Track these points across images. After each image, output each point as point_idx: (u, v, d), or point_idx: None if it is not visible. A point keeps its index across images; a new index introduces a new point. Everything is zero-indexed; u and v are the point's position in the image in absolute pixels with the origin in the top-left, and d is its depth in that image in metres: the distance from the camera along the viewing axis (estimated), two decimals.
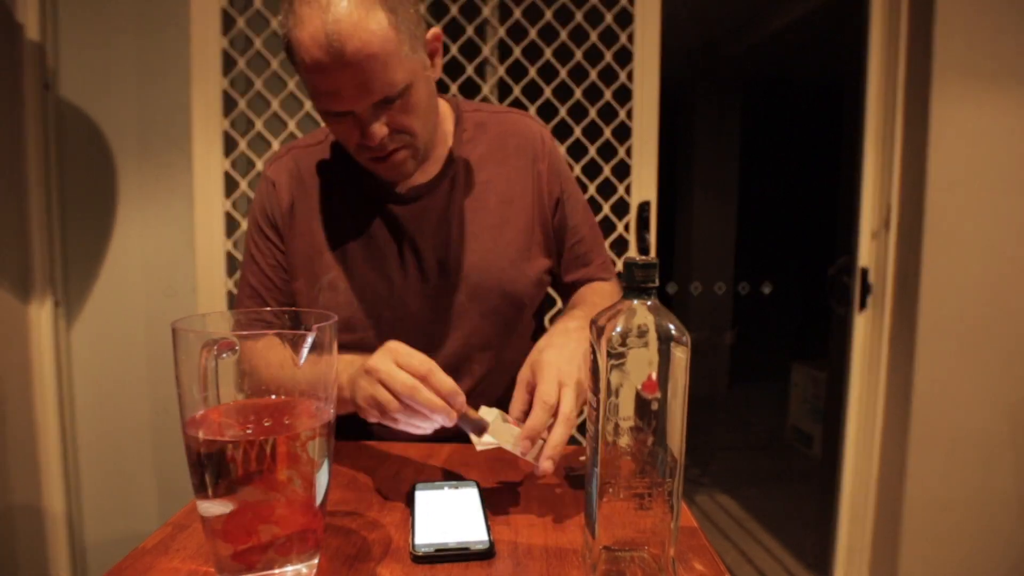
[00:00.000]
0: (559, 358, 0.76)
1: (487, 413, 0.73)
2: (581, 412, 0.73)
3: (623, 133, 1.83)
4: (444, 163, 0.97)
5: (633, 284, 0.56)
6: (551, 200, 1.01)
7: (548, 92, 1.82)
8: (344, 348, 0.90)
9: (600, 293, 1.01)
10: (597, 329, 0.57)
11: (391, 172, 0.88)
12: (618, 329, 0.55)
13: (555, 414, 0.72)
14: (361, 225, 0.95)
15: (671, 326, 0.55)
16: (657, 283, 0.57)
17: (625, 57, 1.81)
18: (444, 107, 1.00)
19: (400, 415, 0.71)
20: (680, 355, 0.55)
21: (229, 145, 1.74)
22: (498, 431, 0.72)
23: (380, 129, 0.81)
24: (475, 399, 0.91)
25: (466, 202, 0.97)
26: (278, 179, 0.98)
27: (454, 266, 0.95)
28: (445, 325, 0.96)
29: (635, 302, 0.56)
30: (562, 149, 0.96)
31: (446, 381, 0.70)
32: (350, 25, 0.74)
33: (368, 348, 0.79)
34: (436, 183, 0.96)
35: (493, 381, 1.01)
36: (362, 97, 0.78)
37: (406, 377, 0.70)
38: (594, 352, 0.57)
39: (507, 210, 0.98)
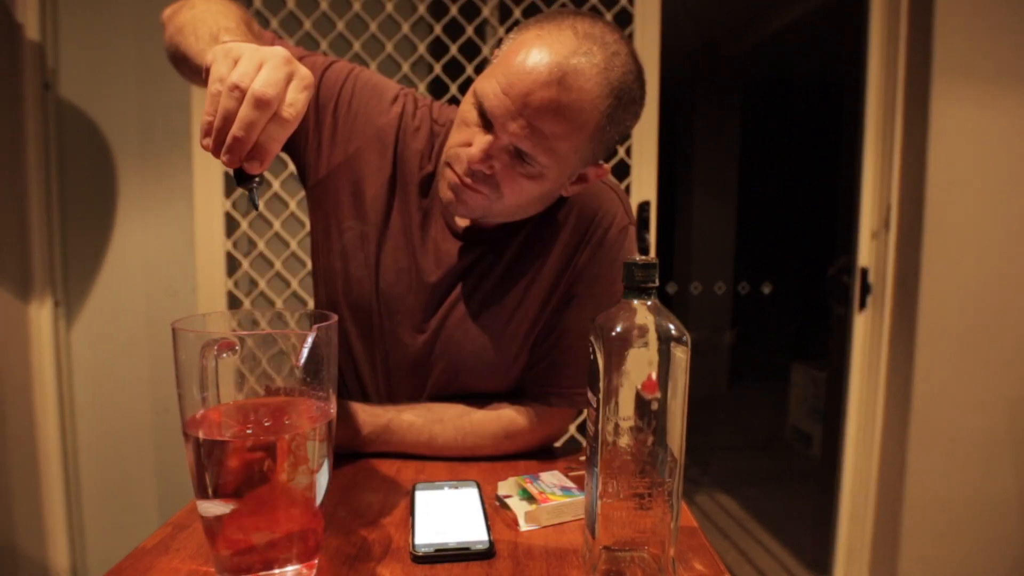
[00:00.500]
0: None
1: None
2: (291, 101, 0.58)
3: None
4: (516, 225, 0.87)
5: (633, 284, 0.56)
6: (563, 293, 0.89)
7: None
8: (331, 284, 0.91)
9: (479, 420, 0.88)
10: (596, 328, 0.57)
11: (450, 193, 0.78)
12: (618, 329, 0.55)
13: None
14: (408, 218, 0.88)
15: (671, 326, 0.55)
16: (657, 283, 0.57)
17: None
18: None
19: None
20: (680, 355, 0.55)
21: None
22: None
23: (489, 159, 0.75)
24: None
25: (502, 277, 0.88)
26: (422, 114, 0.89)
27: (455, 333, 0.89)
28: (405, 356, 0.91)
29: (635, 302, 0.56)
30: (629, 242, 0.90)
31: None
32: (583, 80, 0.70)
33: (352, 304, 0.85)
34: (497, 233, 0.88)
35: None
36: (521, 128, 0.72)
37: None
38: (594, 352, 0.57)
39: (524, 294, 0.88)
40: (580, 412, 1.01)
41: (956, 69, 1.70)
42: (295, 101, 0.57)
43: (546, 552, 0.65)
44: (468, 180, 0.76)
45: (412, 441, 0.86)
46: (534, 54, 0.70)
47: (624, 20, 1.80)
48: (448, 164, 0.78)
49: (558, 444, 1.02)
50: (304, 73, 0.58)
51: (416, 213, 0.89)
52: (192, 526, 0.68)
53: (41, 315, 1.70)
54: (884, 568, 1.86)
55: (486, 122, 0.75)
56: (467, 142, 0.76)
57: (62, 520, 1.76)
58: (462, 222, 0.88)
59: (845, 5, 1.98)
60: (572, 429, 1.91)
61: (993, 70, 1.71)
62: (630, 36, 1.80)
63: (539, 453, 0.93)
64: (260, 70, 0.56)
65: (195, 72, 0.73)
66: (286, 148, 0.86)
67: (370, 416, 0.86)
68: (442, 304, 0.89)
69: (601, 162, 0.82)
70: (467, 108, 0.77)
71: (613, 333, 0.55)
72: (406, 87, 0.92)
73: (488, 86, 0.73)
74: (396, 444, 0.87)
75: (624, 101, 0.75)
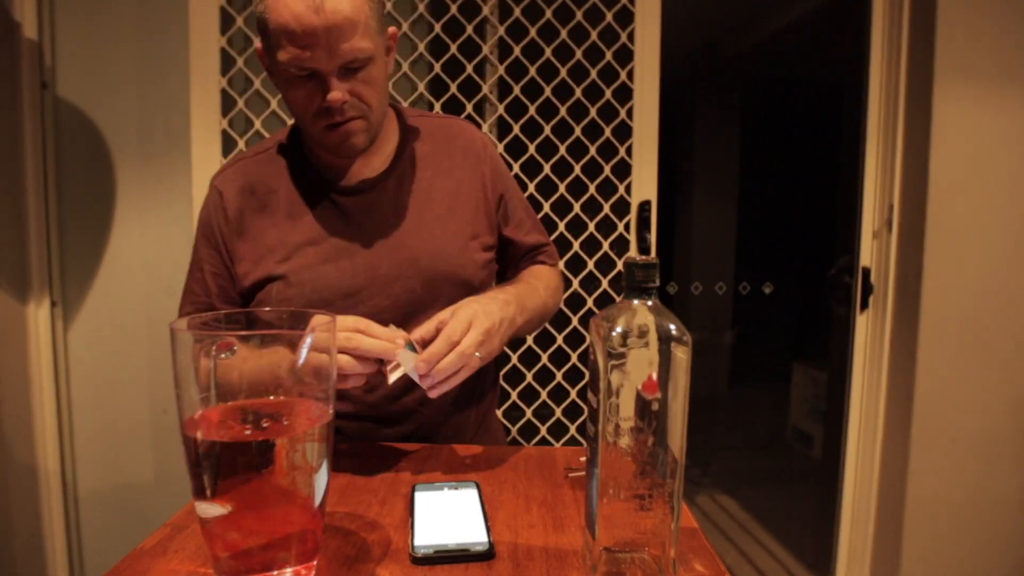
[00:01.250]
0: (478, 305, 0.83)
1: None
2: (483, 356, 0.81)
3: (623, 132, 1.83)
4: (391, 158, 1.01)
5: (633, 284, 0.56)
6: (494, 196, 1.06)
7: (548, 91, 1.82)
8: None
9: (538, 275, 1.08)
10: (597, 329, 0.57)
11: (344, 142, 0.91)
12: (618, 329, 0.55)
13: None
14: (311, 221, 0.98)
15: (672, 326, 0.55)
16: (657, 283, 0.57)
17: (625, 56, 1.81)
18: (388, 109, 1.04)
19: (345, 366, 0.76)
20: (681, 355, 0.55)
21: (227, 144, 1.74)
22: (405, 358, 0.78)
23: (343, 93, 0.86)
24: None
25: (413, 195, 1.01)
26: (225, 188, 1.00)
27: (406, 255, 0.98)
28: (399, 313, 0.97)
29: (635, 302, 0.56)
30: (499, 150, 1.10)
31: (382, 328, 0.79)
32: None
33: None
34: (384, 177, 1.00)
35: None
36: (332, 57, 0.84)
37: (344, 330, 0.77)
38: (594, 352, 0.57)
39: (453, 202, 1.02)
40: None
41: (958, 68, 1.69)
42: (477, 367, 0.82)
43: (546, 553, 0.64)
44: (346, 116, 0.89)
45: (533, 308, 0.99)
46: (283, 8, 0.81)
47: (624, 19, 1.80)
48: (317, 122, 0.90)
49: (558, 444, 1.01)
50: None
51: (313, 215, 0.99)
52: (190, 527, 0.68)
53: (39, 315, 1.69)
54: (885, 569, 1.86)
55: (308, 79, 0.86)
56: (314, 103, 0.88)
57: (60, 521, 1.75)
58: (354, 179, 0.99)
59: (846, 4, 1.98)
60: (572, 429, 1.90)
61: (995, 70, 1.70)
62: (631, 35, 1.79)
63: (538, 454, 0.92)
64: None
65: None
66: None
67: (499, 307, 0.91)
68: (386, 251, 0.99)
69: (390, 28, 0.95)
70: (286, 81, 0.88)
71: (614, 333, 0.55)
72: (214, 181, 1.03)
73: (285, 54, 0.84)
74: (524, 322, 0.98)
75: None
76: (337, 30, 0.82)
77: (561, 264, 1.16)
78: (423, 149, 1.04)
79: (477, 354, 0.79)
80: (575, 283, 1.88)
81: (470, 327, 0.79)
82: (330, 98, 0.86)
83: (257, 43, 0.92)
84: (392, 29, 0.95)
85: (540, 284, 1.04)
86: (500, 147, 1.82)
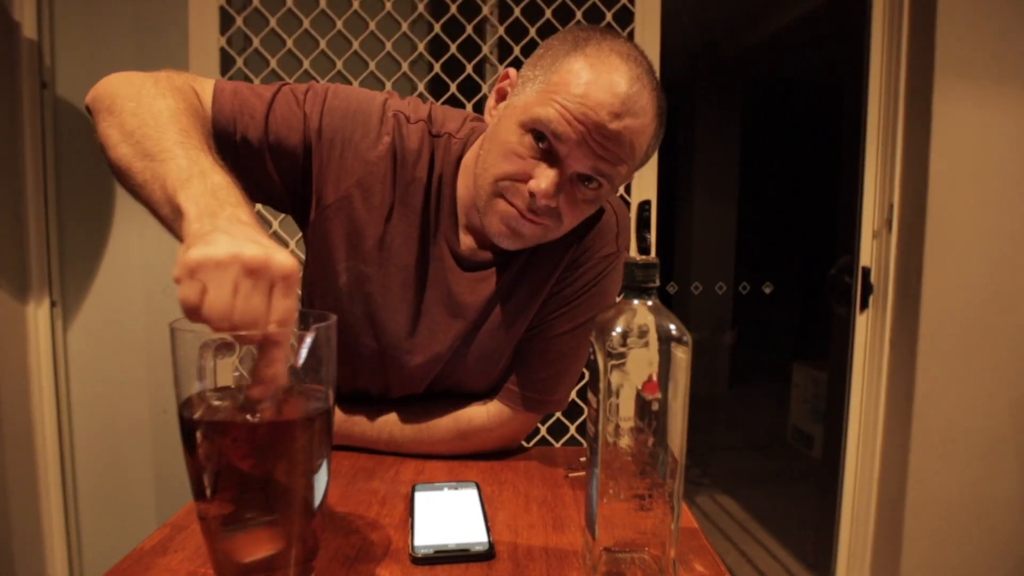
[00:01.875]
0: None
1: None
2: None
3: None
4: (513, 255, 0.86)
5: (633, 284, 0.56)
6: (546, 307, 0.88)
7: None
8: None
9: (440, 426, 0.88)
10: (598, 329, 0.57)
11: (508, 229, 0.76)
12: (618, 329, 0.55)
13: None
14: (415, 245, 0.83)
15: (672, 326, 0.55)
16: (657, 283, 0.56)
17: None
18: None
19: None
20: (681, 355, 0.55)
21: None
22: None
23: (558, 193, 0.74)
24: None
25: (505, 300, 0.87)
26: (418, 136, 0.81)
27: (462, 341, 0.87)
28: (413, 379, 0.90)
29: (635, 302, 0.56)
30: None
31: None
32: (647, 106, 0.73)
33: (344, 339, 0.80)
34: (496, 270, 0.86)
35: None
36: (592, 157, 0.72)
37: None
38: (594, 352, 0.57)
39: (524, 311, 0.88)
40: (542, 419, 1.01)
41: (958, 68, 1.69)
42: (283, 313, 0.50)
43: (546, 553, 0.64)
44: (531, 215, 0.75)
45: (373, 438, 0.90)
46: (600, 81, 0.70)
47: (624, 19, 1.80)
48: (500, 195, 0.75)
49: (558, 444, 1.01)
50: (279, 265, 0.49)
51: (416, 246, 0.84)
52: (190, 527, 0.67)
53: (38, 315, 1.69)
54: (885, 569, 1.86)
55: (547, 151, 0.73)
56: (524, 174, 0.73)
57: (59, 521, 1.75)
58: (468, 245, 0.85)
59: (846, 4, 1.98)
60: (572, 429, 1.90)
61: (995, 69, 1.70)
62: (630, 35, 1.79)
63: (539, 454, 0.92)
64: (236, 297, 0.49)
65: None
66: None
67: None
68: (449, 335, 0.87)
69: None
70: (517, 136, 0.73)
71: (613, 333, 0.55)
72: (389, 98, 0.83)
73: (551, 113, 0.70)
74: (357, 439, 0.90)
75: (663, 119, 0.77)
76: (615, 144, 0.71)
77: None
78: (559, 252, 0.86)
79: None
80: None
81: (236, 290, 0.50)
82: (543, 186, 0.72)
83: (515, 71, 0.79)
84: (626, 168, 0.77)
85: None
86: None
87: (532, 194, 0.73)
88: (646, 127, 0.73)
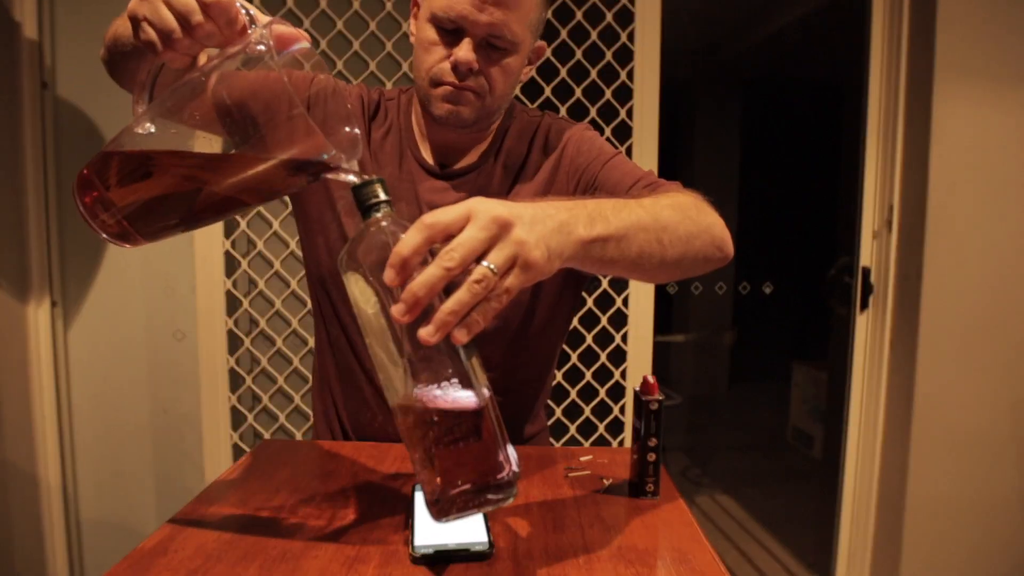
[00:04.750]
0: (494, 202, 0.54)
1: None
2: (501, 270, 0.52)
3: (623, 132, 1.83)
4: (481, 152, 0.97)
5: (364, 206, 0.55)
6: (577, 190, 0.95)
7: (548, 91, 1.81)
8: (322, 283, 0.95)
9: (644, 195, 0.83)
10: (351, 259, 0.54)
11: (449, 107, 0.88)
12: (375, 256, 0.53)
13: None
14: (389, 181, 0.93)
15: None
16: (383, 197, 0.55)
17: (625, 56, 1.81)
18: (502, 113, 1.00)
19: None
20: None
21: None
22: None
23: (474, 59, 0.85)
24: None
25: (488, 188, 0.96)
26: (354, 90, 0.99)
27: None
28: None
29: (379, 215, 0.54)
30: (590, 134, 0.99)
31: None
32: None
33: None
34: (467, 171, 0.96)
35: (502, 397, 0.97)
36: (483, 20, 0.82)
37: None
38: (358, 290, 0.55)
39: (522, 197, 0.96)
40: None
41: (958, 68, 1.69)
42: (511, 288, 0.52)
43: (546, 553, 0.64)
44: (464, 83, 0.86)
45: (629, 221, 0.67)
46: None
47: (625, 19, 1.80)
48: (435, 82, 0.87)
49: (558, 444, 1.01)
50: (522, 241, 0.53)
51: (400, 180, 0.96)
52: (190, 528, 0.67)
53: (39, 315, 1.69)
54: (885, 569, 1.86)
55: (451, 33, 0.85)
56: (443, 56, 0.86)
57: (60, 521, 1.75)
58: (449, 161, 0.96)
59: (846, 5, 1.98)
60: (573, 429, 1.90)
61: (995, 69, 1.70)
62: (631, 35, 1.79)
63: (538, 454, 0.92)
64: (488, 249, 0.51)
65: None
66: None
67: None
68: None
69: (540, 42, 0.93)
70: (426, 30, 0.86)
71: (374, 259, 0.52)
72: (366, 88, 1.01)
73: (440, 2, 0.82)
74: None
75: None
76: (503, 3, 0.82)
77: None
78: (509, 145, 0.99)
79: (488, 265, 0.51)
80: None
81: (468, 218, 0.51)
82: (460, 56, 0.84)
83: None
84: (542, 44, 0.94)
85: (646, 201, 0.73)
86: None
87: (455, 66, 0.85)
88: None
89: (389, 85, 1.78)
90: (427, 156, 0.97)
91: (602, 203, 0.65)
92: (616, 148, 0.98)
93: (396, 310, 0.50)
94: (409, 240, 0.50)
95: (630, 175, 0.92)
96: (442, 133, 0.95)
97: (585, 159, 0.95)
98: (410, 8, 0.93)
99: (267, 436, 1.83)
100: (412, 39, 0.93)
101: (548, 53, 1.80)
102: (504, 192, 0.97)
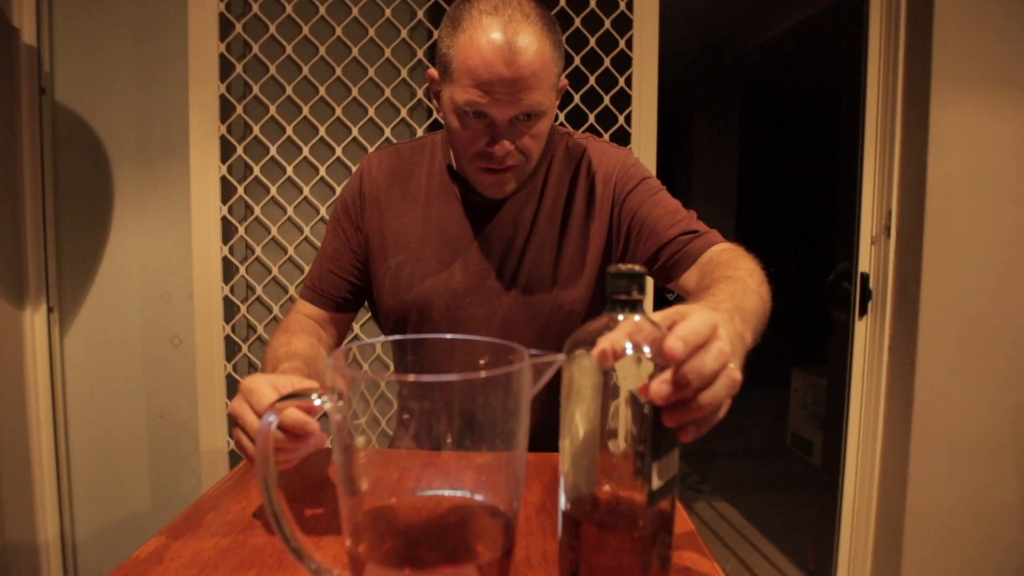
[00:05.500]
0: (708, 311, 0.53)
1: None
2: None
3: (622, 138, 1.83)
4: (528, 174, 1.01)
5: (617, 296, 0.49)
6: (620, 219, 1.00)
7: None
8: (399, 323, 1.02)
9: (734, 264, 0.84)
10: (570, 347, 0.50)
11: (494, 186, 0.94)
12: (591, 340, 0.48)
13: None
14: (440, 216, 1.01)
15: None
16: (644, 295, 0.50)
17: (624, 62, 1.81)
18: None
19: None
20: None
21: (226, 150, 1.74)
22: (625, 368, 0.48)
23: (509, 143, 0.89)
24: None
25: (540, 213, 1.01)
26: (370, 167, 1.05)
27: (514, 271, 1.00)
28: (494, 328, 0.99)
29: (620, 317, 0.49)
30: (637, 162, 1.05)
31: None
32: (528, 39, 0.84)
33: (427, 326, 0.97)
34: (514, 191, 1.00)
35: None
36: (513, 105, 0.86)
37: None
38: (569, 382, 0.51)
39: (572, 227, 1.01)
40: None
41: (955, 74, 1.70)
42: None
43: (545, 560, 0.64)
44: (504, 165, 0.91)
45: (753, 312, 0.75)
46: (483, 47, 0.83)
47: (623, 24, 1.80)
48: (477, 167, 0.93)
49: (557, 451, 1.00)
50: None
51: (448, 216, 1.02)
52: (186, 535, 0.67)
53: (35, 321, 1.69)
54: None
55: (481, 118, 0.88)
56: (477, 144, 0.90)
57: (55, 529, 1.74)
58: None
59: (844, 10, 1.99)
60: None
61: (992, 75, 1.71)
62: (629, 42, 1.80)
63: (537, 459, 0.92)
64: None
65: None
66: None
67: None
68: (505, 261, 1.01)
69: (563, 80, 0.97)
70: (459, 122, 0.90)
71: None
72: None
73: (466, 96, 0.86)
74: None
75: (549, 22, 0.89)
76: (523, 83, 0.84)
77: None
78: (557, 169, 1.04)
79: (734, 369, 0.51)
80: None
81: (715, 332, 0.49)
82: (497, 149, 0.89)
83: (432, 70, 0.94)
84: (564, 80, 0.97)
85: (747, 277, 0.79)
86: None
87: (495, 153, 0.90)
88: (538, 46, 0.85)
89: (388, 91, 1.78)
90: (470, 186, 1.00)
91: (737, 296, 0.72)
92: (660, 183, 1.03)
93: (659, 388, 0.47)
94: (692, 338, 0.47)
95: (671, 215, 0.97)
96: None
97: (630, 186, 1.00)
98: (428, 80, 0.96)
99: None
100: (437, 115, 0.97)
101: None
102: (555, 214, 1.01)
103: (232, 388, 1.77)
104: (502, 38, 0.83)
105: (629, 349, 0.48)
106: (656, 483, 0.50)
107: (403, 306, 1.01)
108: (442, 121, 0.95)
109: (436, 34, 0.94)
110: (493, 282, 0.99)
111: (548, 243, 1.01)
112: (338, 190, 1.78)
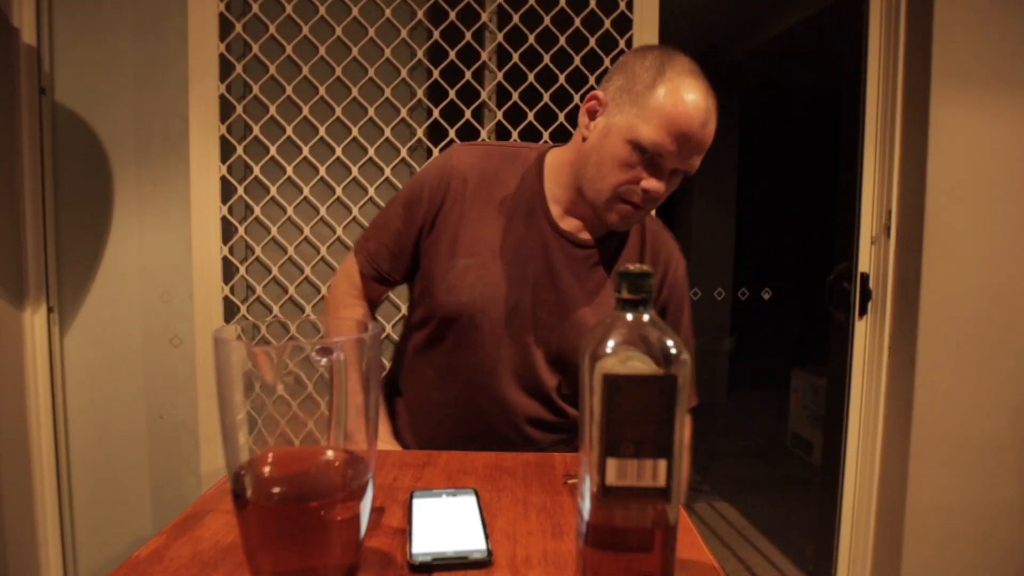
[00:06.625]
0: None
1: None
2: None
3: None
4: (607, 233, 1.07)
5: (627, 296, 0.52)
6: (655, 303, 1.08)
7: (547, 97, 1.82)
8: (446, 321, 1.03)
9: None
10: (587, 345, 0.52)
11: (624, 219, 0.99)
12: (612, 344, 0.51)
13: None
14: (517, 235, 1.03)
15: (669, 342, 0.51)
16: (652, 294, 0.52)
17: None
18: None
19: None
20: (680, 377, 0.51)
21: (226, 150, 1.74)
22: None
23: (665, 191, 0.96)
24: (499, 425, 1.05)
25: (611, 271, 1.07)
26: (460, 161, 1.05)
27: (564, 320, 1.03)
28: (532, 355, 1.03)
29: (630, 316, 0.52)
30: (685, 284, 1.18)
31: None
32: (715, 114, 0.94)
33: (471, 333, 1.00)
34: (594, 244, 1.06)
35: (503, 420, 1.06)
36: (683, 160, 0.94)
37: None
38: (585, 375, 0.53)
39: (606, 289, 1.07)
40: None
41: (955, 74, 1.69)
42: None
43: (545, 560, 0.64)
44: (644, 205, 0.97)
45: None
46: (687, 102, 0.91)
47: (623, 25, 1.80)
48: (619, 198, 0.97)
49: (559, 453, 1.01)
50: None
51: (528, 237, 1.05)
52: (186, 535, 0.67)
53: (35, 321, 1.69)
54: None
55: (649, 160, 0.94)
56: (636, 179, 0.95)
57: (55, 529, 1.74)
58: (567, 227, 1.05)
59: (844, 10, 1.98)
60: None
61: (992, 75, 1.71)
62: (629, 42, 1.80)
63: (537, 461, 0.92)
64: None
65: None
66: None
67: None
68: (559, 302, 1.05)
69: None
70: (626, 151, 0.94)
71: (607, 350, 0.51)
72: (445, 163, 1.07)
73: (657, 136, 0.91)
74: None
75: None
76: (701, 147, 0.94)
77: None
78: (633, 241, 1.10)
79: None
80: None
81: None
82: (654, 188, 0.94)
83: (601, 92, 0.98)
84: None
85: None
86: None
87: (645, 191, 0.95)
88: (716, 121, 0.95)
89: (388, 92, 1.78)
90: (557, 218, 1.05)
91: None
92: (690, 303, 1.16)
93: None
94: None
95: (686, 330, 1.14)
96: (587, 209, 1.03)
97: (675, 297, 1.12)
98: (588, 98, 0.99)
99: None
100: (584, 131, 1.00)
101: (547, 60, 1.80)
102: (610, 265, 1.07)
103: None
104: (703, 103, 0.92)
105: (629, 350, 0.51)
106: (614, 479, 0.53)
107: (458, 307, 1.02)
108: (586, 138, 0.99)
109: (618, 63, 0.98)
110: (547, 318, 1.03)
111: (600, 305, 1.05)
112: (338, 190, 1.78)
